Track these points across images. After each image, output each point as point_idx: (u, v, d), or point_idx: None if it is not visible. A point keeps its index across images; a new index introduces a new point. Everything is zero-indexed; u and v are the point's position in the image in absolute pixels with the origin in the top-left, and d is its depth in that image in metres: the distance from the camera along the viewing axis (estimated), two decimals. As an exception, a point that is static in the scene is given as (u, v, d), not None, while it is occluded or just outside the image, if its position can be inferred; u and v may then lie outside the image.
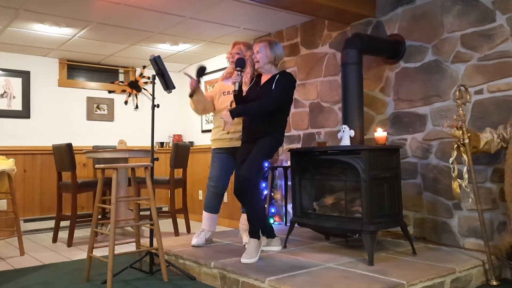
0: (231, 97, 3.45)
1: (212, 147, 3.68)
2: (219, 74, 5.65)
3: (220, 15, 4.21)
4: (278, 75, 3.11)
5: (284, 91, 3.07)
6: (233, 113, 3.00)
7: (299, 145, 4.50)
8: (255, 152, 3.04)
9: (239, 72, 3.08)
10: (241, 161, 3.13)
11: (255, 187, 3.04)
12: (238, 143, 3.44)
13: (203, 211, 3.63)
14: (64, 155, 4.43)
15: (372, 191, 2.87)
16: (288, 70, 4.64)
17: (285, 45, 4.71)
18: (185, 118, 6.51)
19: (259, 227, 3.07)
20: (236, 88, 3.10)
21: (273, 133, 3.08)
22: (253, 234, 3.02)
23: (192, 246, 3.47)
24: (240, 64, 3.09)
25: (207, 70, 6.10)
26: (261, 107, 3.03)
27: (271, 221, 4.39)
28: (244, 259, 2.91)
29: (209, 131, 5.94)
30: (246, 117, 3.22)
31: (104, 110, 6.02)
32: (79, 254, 3.96)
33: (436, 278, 2.53)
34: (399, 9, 3.67)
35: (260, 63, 3.13)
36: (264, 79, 3.18)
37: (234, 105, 3.42)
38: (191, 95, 3.47)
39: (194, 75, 3.43)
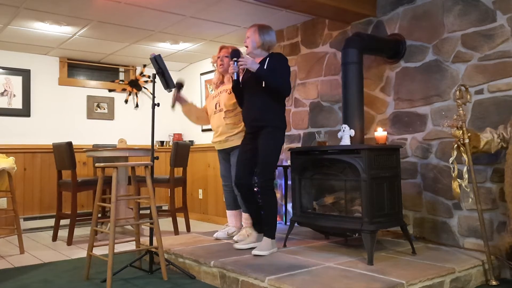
0: (217, 99, 3.61)
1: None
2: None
3: (221, 14, 4.21)
4: (268, 58, 3.15)
5: (286, 71, 3.13)
6: (257, 70, 3.01)
7: (299, 145, 4.50)
8: (263, 156, 3.08)
9: (235, 63, 3.12)
10: (244, 152, 3.20)
11: (271, 192, 3.09)
12: (227, 145, 3.54)
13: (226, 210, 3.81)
14: (64, 153, 4.43)
15: (372, 191, 2.87)
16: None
17: (286, 44, 4.71)
18: (185, 117, 6.47)
19: (275, 228, 3.11)
20: (235, 78, 3.16)
21: (273, 121, 3.10)
22: (269, 234, 3.08)
23: (214, 238, 3.68)
24: (235, 54, 3.16)
25: (207, 70, 6.13)
26: (279, 84, 3.04)
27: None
28: (256, 251, 2.98)
29: (209, 130, 5.96)
30: (244, 106, 3.24)
31: (104, 109, 6.02)
32: (79, 252, 3.97)
33: (436, 277, 2.53)
34: (399, 8, 3.67)
35: (249, 48, 3.18)
36: None
37: (220, 104, 3.55)
38: (172, 106, 3.62)
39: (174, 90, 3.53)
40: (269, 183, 3.09)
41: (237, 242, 3.39)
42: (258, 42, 3.15)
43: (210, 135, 5.92)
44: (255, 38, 3.15)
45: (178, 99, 3.59)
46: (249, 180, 3.22)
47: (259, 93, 3.09)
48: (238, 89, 3.25)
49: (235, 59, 3.12)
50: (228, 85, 3.51)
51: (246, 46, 3.19)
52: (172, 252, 3.28)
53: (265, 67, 3.06)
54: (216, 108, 3.60)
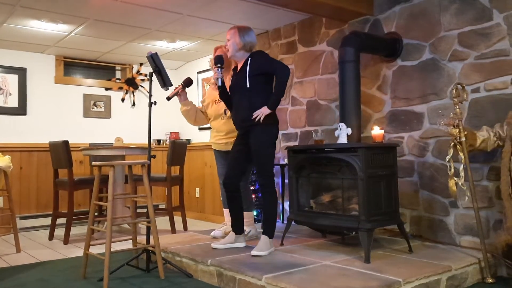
0: (223, 104, 3.50)
1: (212, 147, 3.84)
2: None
3: (218, 12, 4.20)
4: (250, 58, 3.13)
5: (273, 60, 3.12)
6: (273, 107, 3.02)
7: (296, 143, 4.50)
8: (259, 155, 3.08)
9: (219, 69, 3.13)
10: (235, 151, 3.21)
11: (273, 190, 3.11)
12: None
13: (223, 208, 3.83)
14: (61, 152, 4.42)
15: (369, 189, 2.88)
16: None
17: (283, 43, 4.71)
18: (182, 116, 6.47)
19: (275, 228, 3.12)
20: (219, 84, 3.15)
21: (263, 119, 3.07)
22: (268, 233, 3.09)
23: (211, 236, 3.68)
24: (218, 60, 3.14)
25: (204, 68, 6.13)
26: (284, 79, 3.01)
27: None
28: (255, 252, 2.98)
29: (207, 129, 5.96)
30: (234, 108, 3.24)
31: (101, 107, 6.00)
32: (76, 251, 3.96)
33: (432, 275, 2.54)
34: (396, 7, 3.67)
35: (231, 50, 3.16)
36: (239, 66, 3.21)
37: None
38: (168, 98, 3.51)
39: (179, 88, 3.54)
40: (271, 181, 3.10)
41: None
42: (239, 44, 3.13)
43: (207, 133, 5.94)
44: (236, 40, 3.13)
45: (180, 94, 3.54)
46: (238, 180, 3.24)
47: (246, 93, 3.09)
48: (225, 94, 3.25)
49: (219, 65, 3.12)
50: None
51: (228, 49, 3.18)
52: (169, 251, 3.28)
53: (247, 69, 3.08)
54: (225, 114, 3.59)
